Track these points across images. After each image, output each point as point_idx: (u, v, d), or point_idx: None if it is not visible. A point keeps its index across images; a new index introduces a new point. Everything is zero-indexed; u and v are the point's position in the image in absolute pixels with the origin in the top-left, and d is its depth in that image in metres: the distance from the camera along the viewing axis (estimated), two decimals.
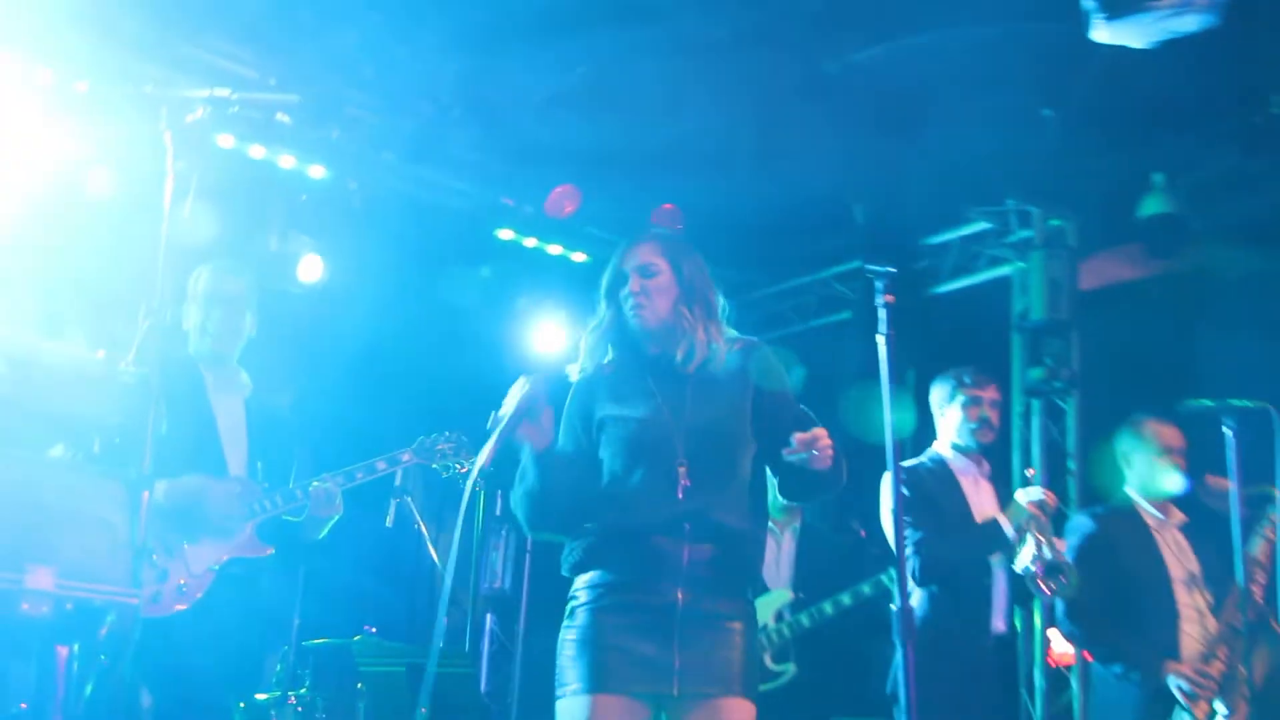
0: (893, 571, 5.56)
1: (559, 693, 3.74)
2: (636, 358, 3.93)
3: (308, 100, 6.79)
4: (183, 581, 4.89)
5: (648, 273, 3.96)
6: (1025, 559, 5.14)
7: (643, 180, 7.60)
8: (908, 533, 5.31)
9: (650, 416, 3.84)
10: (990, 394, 5.62)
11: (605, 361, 3.99)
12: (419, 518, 6.59)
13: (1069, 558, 5.38)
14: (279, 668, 6.64)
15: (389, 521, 6.27)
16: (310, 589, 7.28)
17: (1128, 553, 5.44)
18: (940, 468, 5.56)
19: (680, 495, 3.76)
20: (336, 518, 5.22)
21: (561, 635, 3.82)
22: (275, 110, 6.77)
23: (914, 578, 5.42)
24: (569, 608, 3.84)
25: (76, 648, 2.93)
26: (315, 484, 5.10)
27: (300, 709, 6.23)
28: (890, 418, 3.54)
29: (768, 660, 6.75)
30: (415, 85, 7.02)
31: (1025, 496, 5.29)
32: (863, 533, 5.74)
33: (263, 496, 5.04)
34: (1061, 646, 7.08)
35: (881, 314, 3.61)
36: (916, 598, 5.40)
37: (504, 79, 7.17)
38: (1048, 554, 5.12)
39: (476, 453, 4.47)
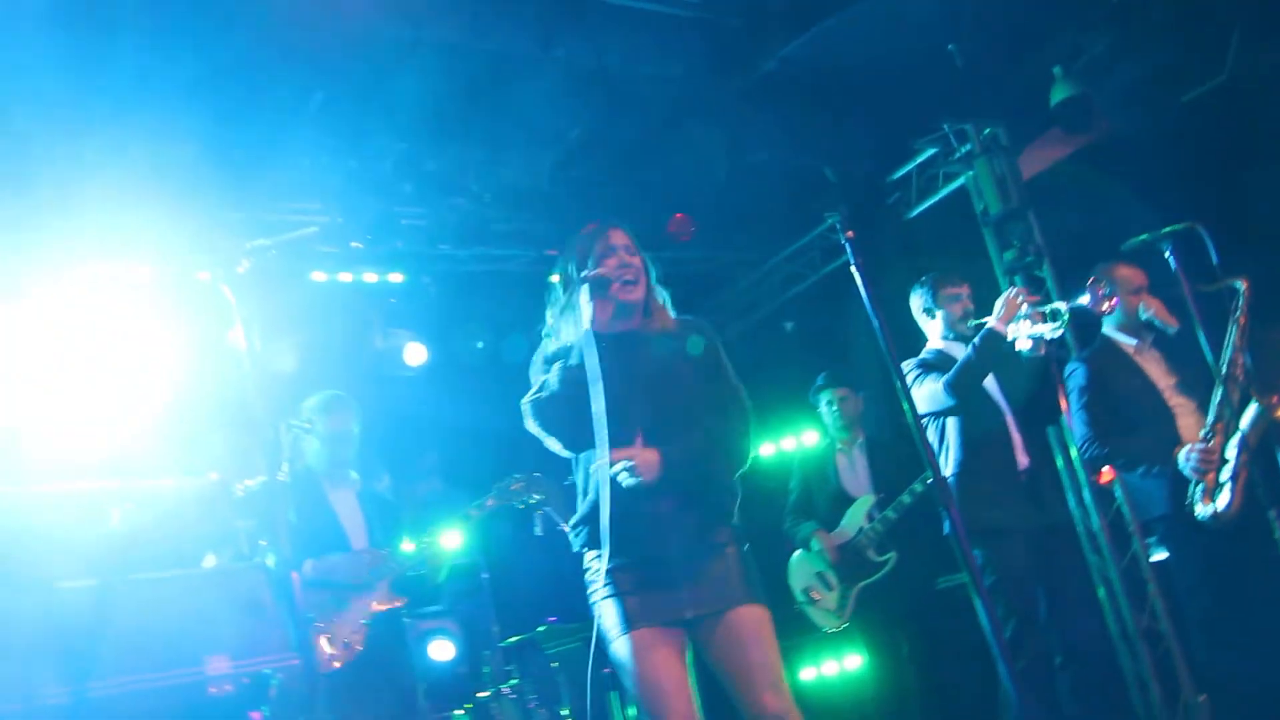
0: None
1: (609, 644, 3.77)
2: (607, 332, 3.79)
3: (370, 224, 7.28)
4: (345, 640, 5.28)
5: (631, 252, 3.90)
6: (1023, 337, 5.28)
7: (640, 199, 7.81)
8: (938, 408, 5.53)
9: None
10: (965, 289, 5.77)
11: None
12: (560, 519, 6.78)
13: (1075, 401, 5.66)
14: (486, 669, 6.90)
15: (538, 531, 6.38)
16: (499, 600, 7.55)
17: (1119, 379, 5.61)
18: (945, 357, 5.72)
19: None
20: (450, 562, 5.74)
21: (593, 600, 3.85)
22: (348, 241, 7.06)
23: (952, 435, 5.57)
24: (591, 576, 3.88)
25: (266, 711, 3.04)
26: (425, 540, 5.60)
27: (514, 696, 6.54)
28: (883, 328, 3.67)
29: (871, 554, 6.91)
30: (449, 186, 7.30)
31: (1001, 297, 5.43)
32: None
33: (387, 559, 5.53)
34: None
35: (847, 248, 3.77)
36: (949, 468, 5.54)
37: (518, 159, 7.44)
38: (1030, 319, 5.29)
39: (542, 487, 5.68)
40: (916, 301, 5.86)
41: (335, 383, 6.01)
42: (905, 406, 3.72)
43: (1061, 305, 5.30)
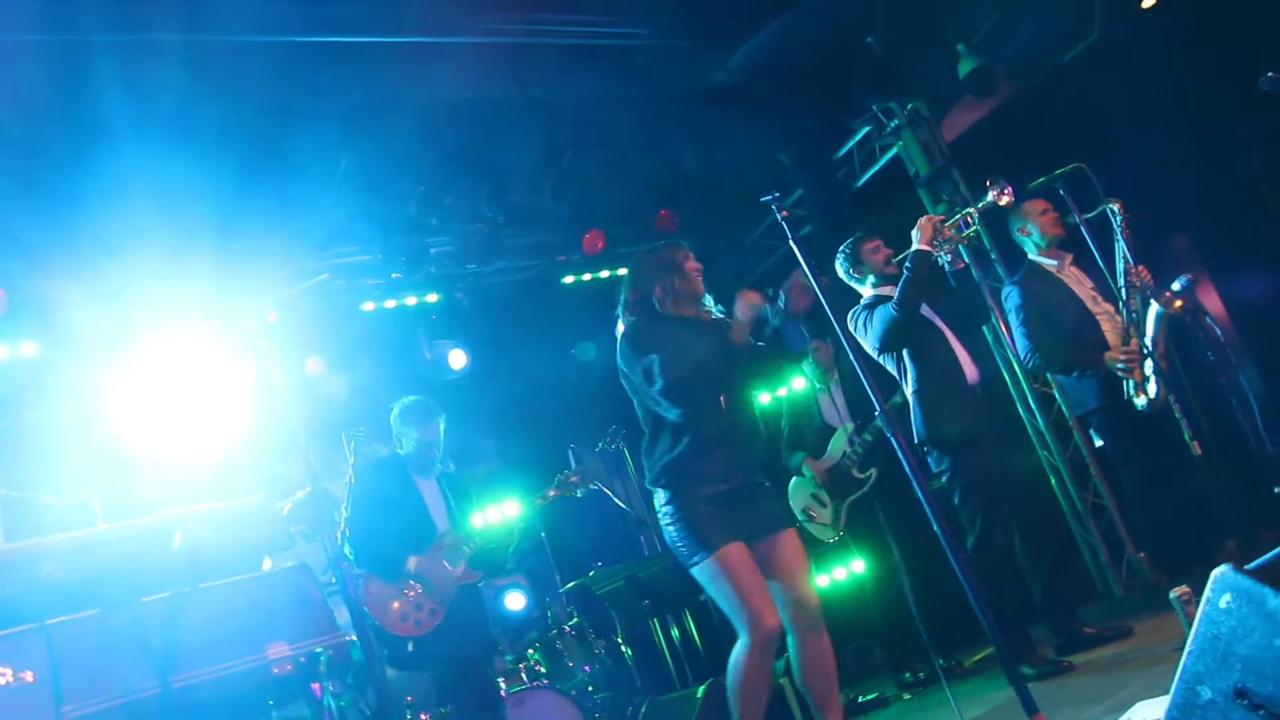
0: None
1: (694, 562, 3.98)
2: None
3: (404, 256, 7.34)
4: (432, 607, 5.37)
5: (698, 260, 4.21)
6: (945, 250, 5.28)
7: (629, 202, 8.04)
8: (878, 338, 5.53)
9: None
10: (879, 242, 5.68)
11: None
12: (607, 490, 6.92)
13: (1014, 320, 5.67)
14: (549, 614, 7.04)
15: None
16: (556, 553, 7.77)
17: (1048, 296, 5.62)
18: (883, 299, 5.55)
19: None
20: (517, 538, 5.76)
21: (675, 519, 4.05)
22: (388, 273, 6.99)
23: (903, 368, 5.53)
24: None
25: (327, 684, 3.15)
26: (492, 523, 5.68)
27: (574, 633, 6.67)
28: (822, 288, 3.79)
29: (855, 472, 6.81)
30: (467, 214, 7.54)
31: (916, 224, 5.36)
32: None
33: (463, 542, 5.54)
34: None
35: (784, 225, 3.83)
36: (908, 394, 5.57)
37: (521, 184, 7.64)
38: (947, 229, 5.28)
39: (595, 475, 5.68)
40: (840, 269, 5.79)
41: (394, 392, 6.12)
42: (847, 349, 3.92)
43: (972, 210, 5.32)
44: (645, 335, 4.01)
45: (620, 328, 4.14)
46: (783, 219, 3.83)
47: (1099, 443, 6.63)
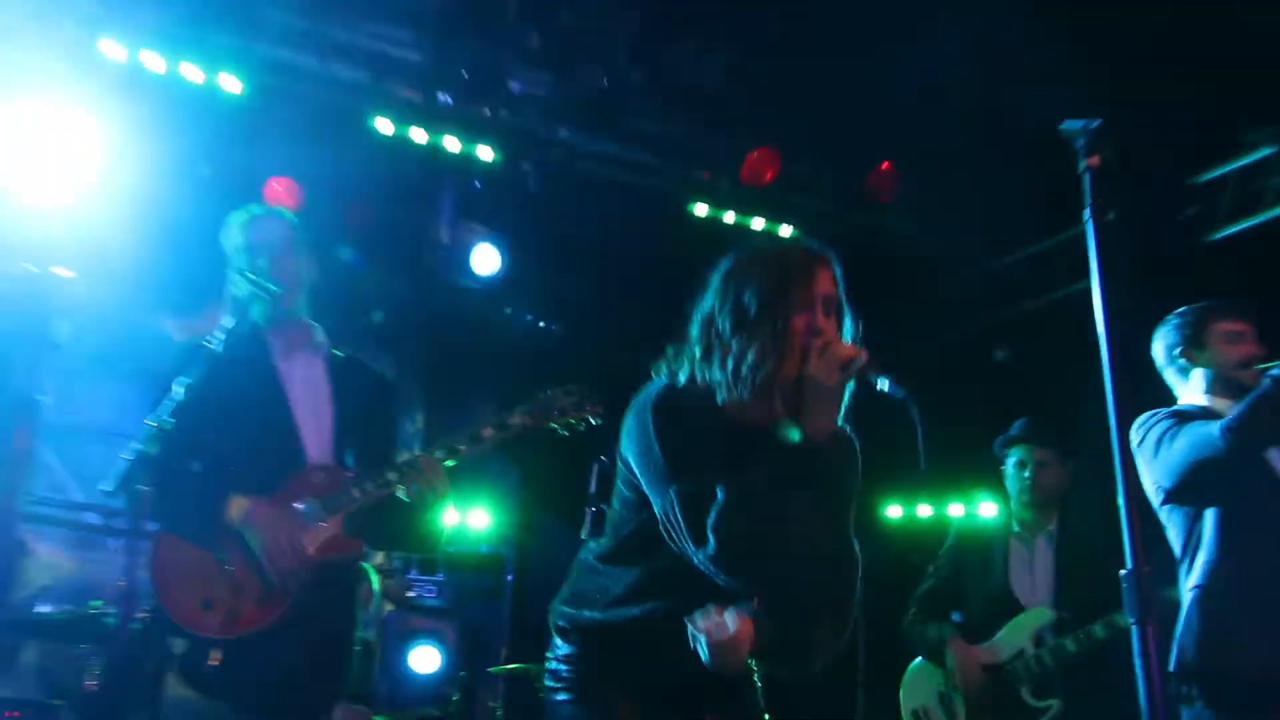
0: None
1: None
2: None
3: (470, 73, 5.86)
4: (259, 594, 3.65)
5: (831, 308, 2.73)
6: None
7: (851, 139, 6.37)
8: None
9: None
10: (1248, 329, 4.30)
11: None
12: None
13: None
14: (463, 697, 5.77)
15: (584, 533, 4.93)
16: (519, 612, 6.34)
17: None
18: (1210, 413, 4.21)
19: None
20: (446, 499, 3.82)
21: None
22: (435, 88, 5.31)
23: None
24: None
25: None
26: (415, 455, 3.74)
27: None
28: (1113, 362, 2.46)
29: (1026, 693, 5.33)
30: (590, 50, 5.97)
31: None
32: None
33: (349, 485, 3.72)
34: None
35: (1091, 244, 2.44)
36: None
37: (686, 35, 6.09)
38: None
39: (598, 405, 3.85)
40: (1162, 345, 4.48)
41: (378, 282, 5.44)
42: (1120, 481, 2.53)
43: None
44: (690, 433, 2.74)
45: (655, 384, 2.89)
46: (1093, 232, 2.44)
47: None
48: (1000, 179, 6.54)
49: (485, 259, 6.39)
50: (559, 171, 6.50)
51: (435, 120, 6.05)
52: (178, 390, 3.46)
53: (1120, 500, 2.69)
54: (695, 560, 2.71)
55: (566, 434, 3.97)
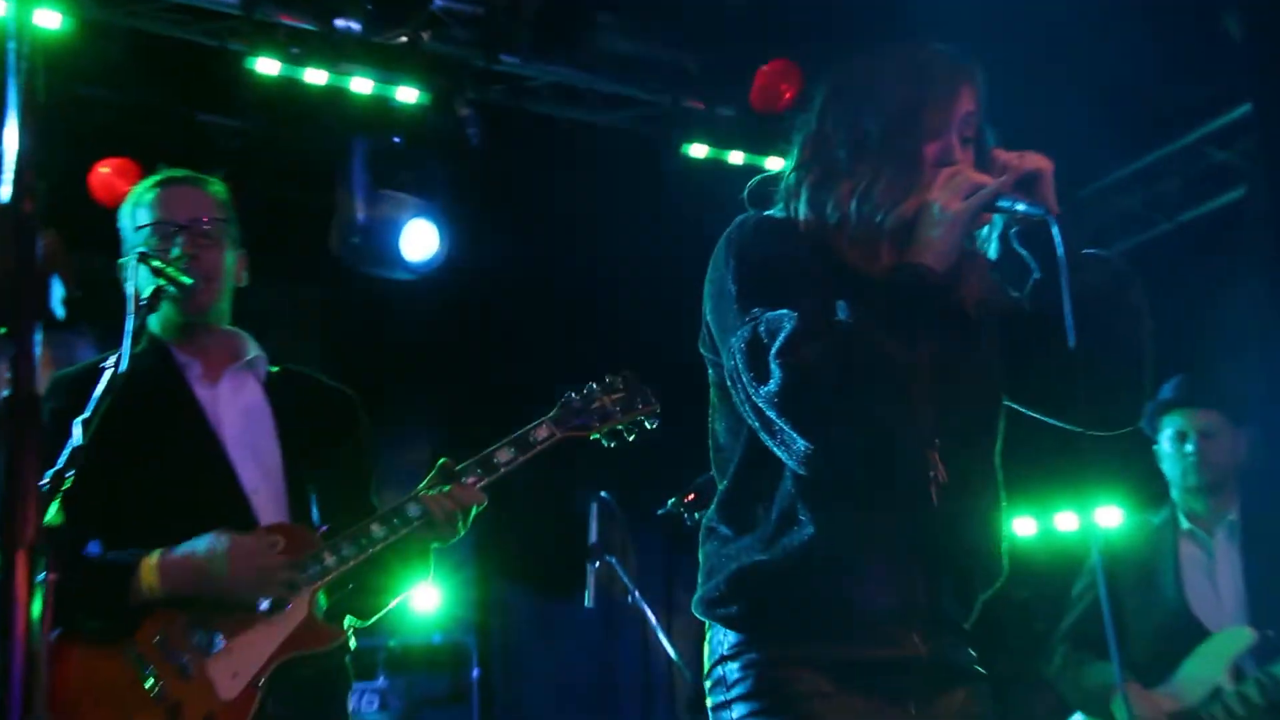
0: None
1: None
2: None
3: None
4: (208, 713, 2.80)
5: (969, 129, 2.43)
6: None
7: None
8: None
9: None
10: None
11: None
12: (630, 585, 4.18)
13: None
14: None
15: (589, 601, 4.12)
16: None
17: None
18: None
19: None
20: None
21: None
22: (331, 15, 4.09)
23: None
24: None
25: None
26: (425, 493, 2.85)
27: None
28: None
29: None
30: None
31: None
32: None
33: (320, 549, 2.88)
34: None
35: None
36: None
37: None
38: None
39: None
40: None
41: (269, 291, 3.36)
42: None
43: None
44: (773, 259, 2.40)
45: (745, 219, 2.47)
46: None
47: None
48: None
49: (419, 240, 5.15)
50: (507, 113, 5.42)
51: (336, 54, 4.84)
52: (76, 432, 2.46)
53: None
54: (752, 419, 2.37)
55: (612, 445, 3.24)
